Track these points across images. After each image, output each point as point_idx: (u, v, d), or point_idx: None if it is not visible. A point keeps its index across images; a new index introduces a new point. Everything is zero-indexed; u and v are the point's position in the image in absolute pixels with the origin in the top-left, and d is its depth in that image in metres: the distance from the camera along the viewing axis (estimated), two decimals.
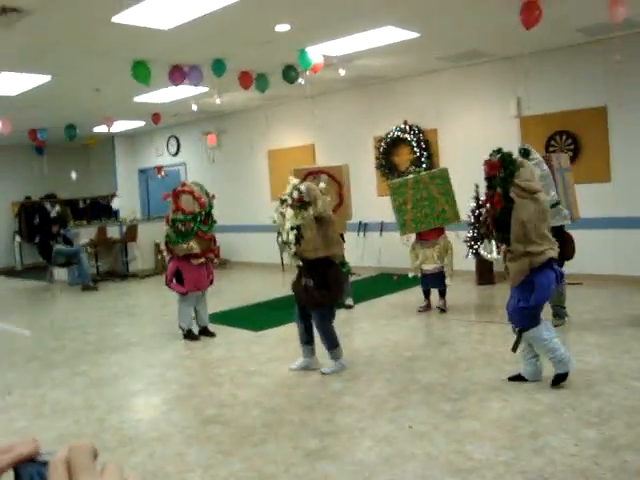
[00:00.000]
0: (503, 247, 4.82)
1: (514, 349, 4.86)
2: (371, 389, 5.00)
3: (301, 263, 5.52)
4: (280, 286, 10.78)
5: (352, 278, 8.80)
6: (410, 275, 7.84)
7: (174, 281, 6.96)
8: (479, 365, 5.42)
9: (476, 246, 8.84)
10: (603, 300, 7.66)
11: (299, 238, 5.36)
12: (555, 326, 6.37)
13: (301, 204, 5.38)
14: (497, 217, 4.72)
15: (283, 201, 5.51)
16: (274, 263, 12.73)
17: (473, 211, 9.06)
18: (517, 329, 4.80)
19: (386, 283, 10.08)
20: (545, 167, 6.28)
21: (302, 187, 5.42)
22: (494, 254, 4.73)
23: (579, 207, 6.75)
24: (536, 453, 3.62)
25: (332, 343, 5.56)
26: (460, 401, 4.57)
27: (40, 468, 0.64)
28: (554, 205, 6.28)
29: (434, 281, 7.59)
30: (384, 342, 6.47)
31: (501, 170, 4.68)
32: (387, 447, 3.87)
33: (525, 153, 6.40)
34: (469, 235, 8.87)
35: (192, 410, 4.80)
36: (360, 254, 11.04)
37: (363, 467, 3.62)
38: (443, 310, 7.53)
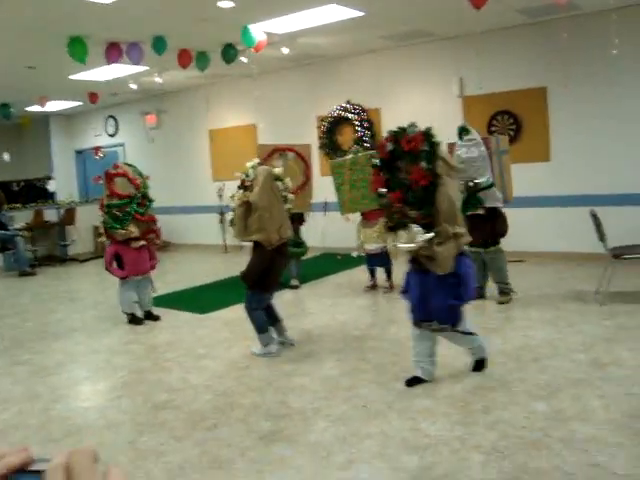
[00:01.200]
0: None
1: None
2: (322, 369, 4.99)
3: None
4: (223, 267, 10.67)
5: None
6: (354, 254, 7.85)
7: (114, 265, 6.79)
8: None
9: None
10: (545, 276, 7.85)
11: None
12: (501, 303, 6.55)
13: (244, 187, 5.37)
14: (414, 197, 4.15)
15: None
16: (216, 244, 12.62)
17: None
18: (444, 326, 4.34)
19: (331, 263, 10.09)
20: (483, 148, 6.36)
21: (250, 171, 5.39)
22: (418, 239, 4.07)
23: (513, 188, 6.85)
24: (489, 428, 3.68)
25: (255, 328, 5.51)
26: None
27: (34, 479, 0.57)
28: (489, 187, 6.39)
29: (378, 261, 7.62)
30: (332, 322, 6.47)
31: (424, 143, 4.20)
32: (342, 427, 3.87)
33: (464, 131, 6.47)
34: None
35: (141, 396, 4.69)
36: (304, 234, 11.01)
37: (320, 448, 3.61)
38: (388, 289, 7.58)
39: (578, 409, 3.85)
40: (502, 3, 7.39)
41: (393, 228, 4.35)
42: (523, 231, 8.91)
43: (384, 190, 4.32)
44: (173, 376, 5.10)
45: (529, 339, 5.36)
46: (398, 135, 4.29)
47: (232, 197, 5.50)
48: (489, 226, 6.53)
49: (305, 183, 8.02)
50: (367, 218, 7.59)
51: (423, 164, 4.14)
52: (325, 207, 10.78)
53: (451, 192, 4.19)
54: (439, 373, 4.59)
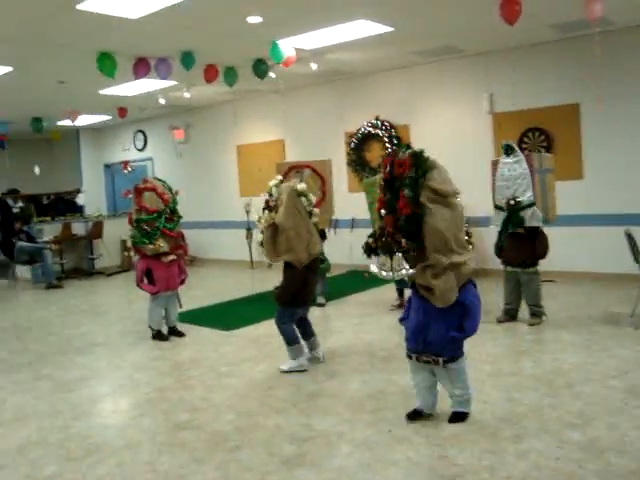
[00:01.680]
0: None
1: None
2: (347, 391, 4.87)
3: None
4: (249, 283, 10.63)
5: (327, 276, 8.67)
6: (365, 275, 7.70)
7: (145, 281, 6.75)
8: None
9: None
10: (577, 297, 7.64)
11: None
12: (532, 325, 6.38)
13: (269, 208, 5.37)
14: (400, 225, 3.93)
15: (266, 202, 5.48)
16: (243, 260, 12.57)
17: None
18: (442, 359, 4.01)
19: (357, 280, 9.95)
20: (525, 166, 6.26)
21: (274, 190, 5.41)
22: (403, 271, 4.01)
23: (557, 208, 6.67)
24: (520, 457, 3.53)
25: (285, 340, 5.51)
26: (440, 403, 4.45)
27: None
28: (529, 206, 6.25)
29: (406, 281, 7.46)
30: (358, 341, 6.35)
31: (412, 169, 3.94)
32: (367, 452, 3.74)
33: (509, 149, 6.38)
34: None
35: (163, 415, 4.61)
36: (331, 251, 10.91)
37: (343, 474, 3.49)
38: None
39: (614, 440, 3.67)
40: (534, 18, 7.26)
41: (375, 250, 4.22)
42: (554, 250, 8.65)
43: (383, 212, 4.11)
44: (195, 394, 5.02)
45: (561, 363, 5.18)
46: (395, 156, 4.08)
47: (259, 220, 5.43)
48: (529, 246, 6.38)
49: (322, 199, 7.94)
50: None
51: (406, 192, 3.90)
52: (353, 224, 10.69)
53: (440, 224, 3.86)
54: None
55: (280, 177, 5.71)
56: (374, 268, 4.30)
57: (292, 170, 8.02)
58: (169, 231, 6.69)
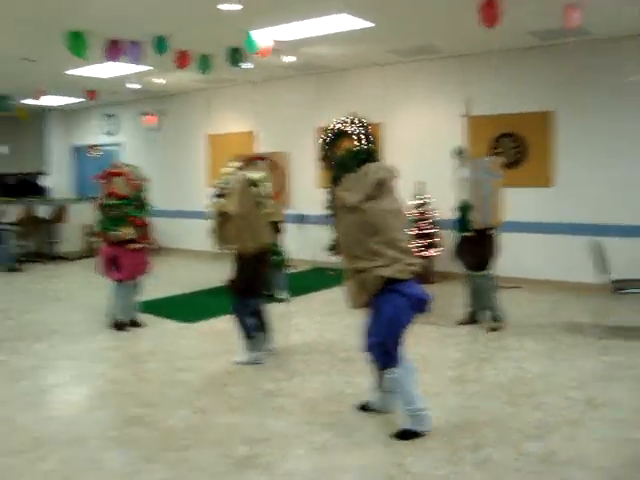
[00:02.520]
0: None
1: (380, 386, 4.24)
2: (306, 391, 4.77)
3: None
4: (214, 275, 10.44)
5: (289, 271, 8.56)
6: (331, 273, 7.66)
7: (112, 268, 6.57)
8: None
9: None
10: (542, 305, 7.64)
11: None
12: (492, 330, 6.33)
13: (222, 196, 5.38)
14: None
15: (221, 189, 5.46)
16: (208, 251, 12.37)
17: (415, 209, 8.97)
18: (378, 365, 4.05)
19: (322, 278, 9.88)
20: (469, 171, 6.35)
21: (228, 178, 5.42)
22: None
23: (501, 214, 6.45)
24: (477, 467, 3.46)
25: (243, 333, 5.48)
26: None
27: None
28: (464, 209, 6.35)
29: None
30: (320, 340, 6.26)
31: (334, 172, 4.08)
32: (322, 456, 3.64)
33: (457, 152, 6.51)
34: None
35: (114, 409, 4.47)
36: (297, 247, 10.80)
37: (295, 479, 3.39)
38: None
39: (574, 453, 3.63)
40: (514, 23, 7.22)
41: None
42: (521, 256, 8.72)
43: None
44: (150, 389, 4.88)
45: (523, 372, 5.14)
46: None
47: (209, 207, 5.42)
48: (479, 250, 6.37)
49: (279, 192, 7.83)
50: None
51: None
52: (320, 220, 10.58)
53: (339, 228, 4.00)
54: (428, 403, 4.36)
55: (237, 164, 5.61)
56: None
57: (250, 161, 7.90)
58: (134, 218, 6.52)
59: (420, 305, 3.93)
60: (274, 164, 7.81)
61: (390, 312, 3.83)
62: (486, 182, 6.34)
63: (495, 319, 6.48)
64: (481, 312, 6.61)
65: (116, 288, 6.66)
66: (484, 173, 6.34)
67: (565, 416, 4.19)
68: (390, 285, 3.81)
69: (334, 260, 9.70)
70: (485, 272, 6.41)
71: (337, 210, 3.99)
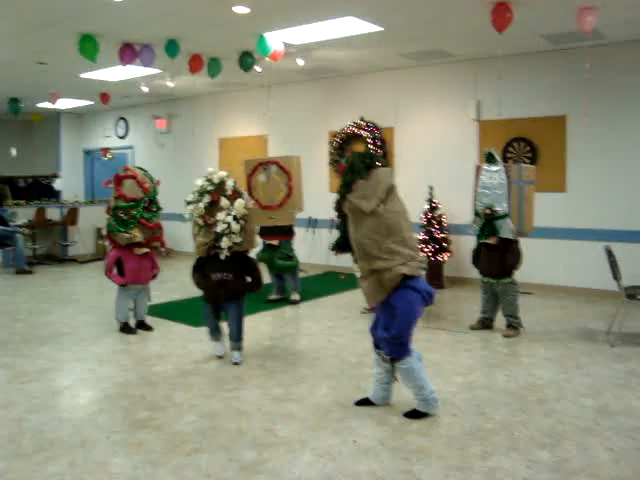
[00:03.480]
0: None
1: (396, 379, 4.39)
2: (314, 397, 4.73)
3: (223, 256, 5.54)
4: None
5: (300, 275, 8.54)
6: (357, 275, 7.61)
7: (114, 271, 6.57)
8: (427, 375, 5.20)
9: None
10: (554, 311, 7.56)
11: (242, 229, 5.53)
12: (507, 336, 6.28)
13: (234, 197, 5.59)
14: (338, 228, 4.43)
15: (207, 192, 5.63)
16: None
17: (426, 214, 8.91)
18: (389, 358, 4.26)
19: (333, 282, 9.84)
20: (504, 176, 6.18)
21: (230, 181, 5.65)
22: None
23: (533, 221, 6.52)
24: (487, 475, 3.40)
25: (243, 334, 5.73)
26: (401, 416, 4.34)
27: None
28: (503, 217, 6.17)
29: None
30: (329, 345, 6.21)
31: (345, 176, 4.22)
32: (329, 463, 3.60)
33: (490, 157, 6.30)
34: (420, 238, 8.72)
35: (122, 412, 4.44)
36: (308, 251, 10.78)
37: None
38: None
39: (585, 462, 3.56)
40: (526, 27, 7.18)
41: (341, 247, 4.49)
42: (533, 263, 8.63)
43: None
44: (157, 392, 4.85)
45: (535, 378, 5.08)
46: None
47: (202, 207, 5.61)
48: (501, 258, 6.28)
49: (289, 195, 7.83)
50: None
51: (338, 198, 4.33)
52: (332, 224, 10.56)
53: (356, 233, 4.15)
54: (438, 410, 4.32)
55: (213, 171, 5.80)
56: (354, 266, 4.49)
57: (259, 166, 7.91)
58: (146, 221, 6.51)
59: (429, 298, 4.20)
60: (283, 168, 7.78)
61: (405, 307, 4.09)
62: (521, 189, 6.28)
63: (512, 326, 6.41)
64: (494, 318, 6.56)
65: (119, 291, 6.66)
66: (518, 180, 6.27)
67: (577, 424, 4.13)
68: (404, 281, 4.08)
69: (344, 264, 9.70)
70: (509, 279, 6.35)
71: (351, 215, 4.17)
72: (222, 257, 5.52)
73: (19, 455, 3.75)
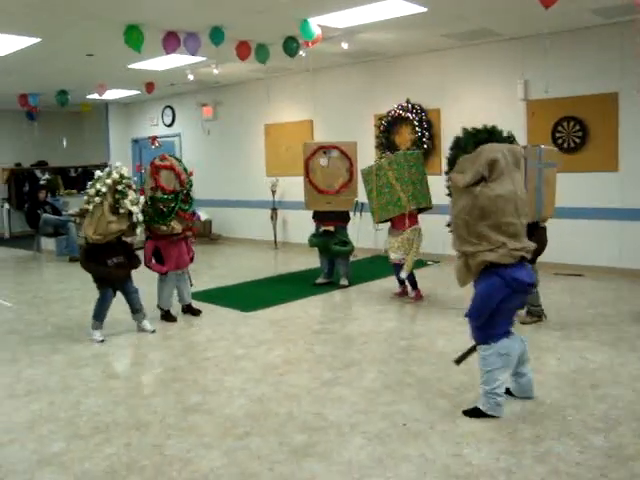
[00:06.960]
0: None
1: (458, 361, 4.26)
2: (363, 380, 4.75)
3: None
4: (272, 264, 10.55)
5: (351, 258, 8.53)
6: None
7: (153, 260, 6.67)
8: (476, 360, 5.15)
9: None
10: (606, 293, 7.39)
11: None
12: (523, 323, 6.04)
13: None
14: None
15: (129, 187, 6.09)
16: (267, 240, 12.50)
17: None
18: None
19: (383, 265, 9.80)
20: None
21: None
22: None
23: (553, 205, 6.15)
24: (539, 460, 3.37)
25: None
26: (457, 397, 4.32)
27: None
28: None
29: (396, 271, 7.34)
30: (378, 329, 6.21)
31: (451, 153, 4.27)
32: (379, 446, 3.62)
33: (508, 139, 6.06)
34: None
35: (174, 396, 4.54)
36: (356, 235, 10.76)
37: (352, 468, 3.37)
38: (412, 299, 7.33)
39: None
40: (576, 2, 6.98)
41: None
42: (583, 244, 8.48)
43: None
44: (208, 377, 4.94)
45: (587, 362, 4.99)
46: None
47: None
48: None
49: (350, 181, 7.84)
50: (394, 226, 7.27)
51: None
52: None
53: (454, 209, 4.00)
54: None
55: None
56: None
57: (320, 150, 7.91)
58: (184, 213, 6.59)
59: (521, 287, 3.91)
60: (345, 153, 7.80)
61: (482, 290, 3.96)
62: (540, 172, 6.03)
63: (532, 313, 6.24)
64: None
65: (160, 279, 6.78)
66: (537, 162, 6.02)
67: (633, 409, 4.04)
68: (491, 267, 3.88)
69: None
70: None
71: (453, 192, 4.05)
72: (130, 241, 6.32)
73: (77, 436, 3.87)
